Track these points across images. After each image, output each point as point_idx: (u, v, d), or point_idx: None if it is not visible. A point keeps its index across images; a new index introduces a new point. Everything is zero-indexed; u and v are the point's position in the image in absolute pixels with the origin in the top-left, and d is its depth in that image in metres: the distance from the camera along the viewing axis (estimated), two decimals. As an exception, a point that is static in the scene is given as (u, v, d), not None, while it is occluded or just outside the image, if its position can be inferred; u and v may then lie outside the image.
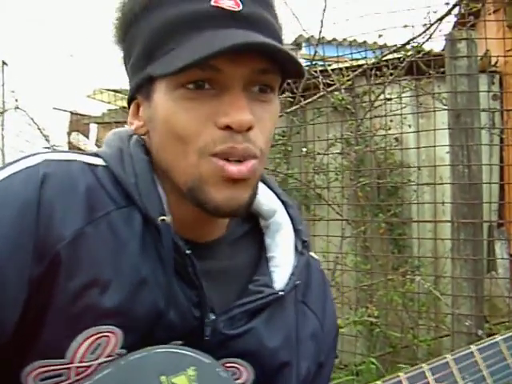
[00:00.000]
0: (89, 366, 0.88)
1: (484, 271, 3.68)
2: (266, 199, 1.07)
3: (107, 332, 0.88)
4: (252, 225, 1.08)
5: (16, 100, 6.51)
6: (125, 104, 5.73)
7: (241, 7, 0.88)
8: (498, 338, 1.04)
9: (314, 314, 1.10)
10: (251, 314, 0.98)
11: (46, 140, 6.52)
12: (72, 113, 6.88)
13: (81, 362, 0.87)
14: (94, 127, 6.83)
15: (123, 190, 0.93)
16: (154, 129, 0.93)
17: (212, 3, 0.87)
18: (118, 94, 5.91)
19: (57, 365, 0.87)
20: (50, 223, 0.86)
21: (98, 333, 0.87)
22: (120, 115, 5.72)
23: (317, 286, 1.12)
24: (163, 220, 0.90)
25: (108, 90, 6.22)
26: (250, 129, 0.87)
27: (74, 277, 0.86)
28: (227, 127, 0.86)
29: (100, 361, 0.88)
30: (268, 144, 0.93)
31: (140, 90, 0.94)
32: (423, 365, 1.02)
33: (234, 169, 0.87)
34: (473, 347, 1.03)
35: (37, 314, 0.86)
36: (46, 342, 0.87)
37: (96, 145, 6.33)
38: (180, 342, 0.92)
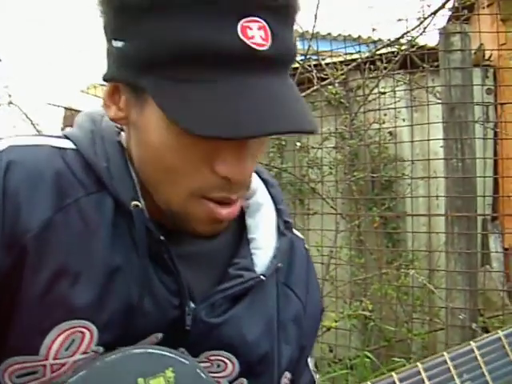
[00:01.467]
0: (64, 364, 0.84)
1: (478, 265, 3.69)
2: None
3: (81, 327, 0.84)
4: None
5: (9, 95, 6.48)
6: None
7: (269, 42, 0.77)
8: (500, 333, 1.00)
9: (297, 296, 1.05)
10: (232, 300, 0.94)
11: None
12: (66, 108, 6.86)
13: (55, 358, 0.84)
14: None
15: (94, 175, 0.88)
16: (138, 140, 0.86)
17: (240, 36, 0.75)
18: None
19: (31, 361, 0.84)
20: (16, 214, 0.83)
21: (71, 327, 0.84)
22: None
23: (300, 267, 1.07)
24: (136, 206, 0.86)
25: (102, 84, 6.20)
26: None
27: (42, 269, 0.83)
28: (225, 177, 0.82)
29: (75, 358, 0.84)
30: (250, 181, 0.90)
31: (126, 86, 0.84)
32: (418, 363, 0.98)
33: (224, 212, 0.85)
34: (472, 343, 0.99)
35: (7, 310, 0.84)
36: (18, 337, 0.84)
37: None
38: (160, 335, 0.89)
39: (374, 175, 4.27)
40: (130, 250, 0.87)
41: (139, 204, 0.86)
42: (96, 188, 0.88)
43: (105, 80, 0.87)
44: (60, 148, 0.90)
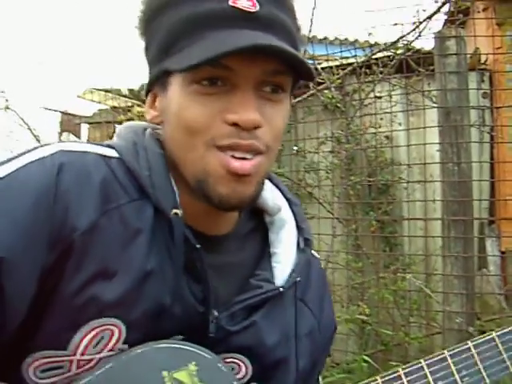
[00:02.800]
0: (90, 360, 0.88)
1: (475, 268, 3.69)
2: (272, 196, 1.09)
3: (110, 325, 0.88)
4: (257, 221, 1.09)
5: (6, 100, 6.48)
6: (115, 104, 5.72)
7: (257, 8, 0.90)
8: (493, 334, 1.08)
9: (312, 312, 1.11)
10: (251, 309, 1.00)
11: (37, 140, 6.50)
12: (63, 113, 6.86)
13: (83, 354, 0.88)
14: (84, 127, 6.81)
15: (136, 183, 0.94)
16: (167, 120, 0.95)
17: (230, 3, 0.89)
18: (108, 94, 5.90)
19: (58, 356, 0.88)
20: (65, 213, 0.87)
21: (101, 325, 0.88)
22: (111, 115, 5.70)
23: (316, 284, 1.13)
24: (176, 214, 0.92)
25: (98, 89, 6.20)
26: (256, 127, 0.90)
27: (83, 267, 0.87)
28: (235, 124, 0.89)
29: (102, 355, 0.88)
30: (277, 141, 0.96)
31: (157, 82, 0.97)
32: (421, 360, 1.06)
33: (237, 164, 0.89)
34: (469, 343, 1.07)
35: (43, 304, 0.87)
36: (49, 332, 0.87)
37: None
38: (181, 337, 0.93)
39: (371, 179, 4.28)
40: (165, 257, 0.92)
41: (178, 212, 0.92)
42: (138, 195, 0.94)
43: (147, 92, 1.00)
44: (106, 156, 0.95)
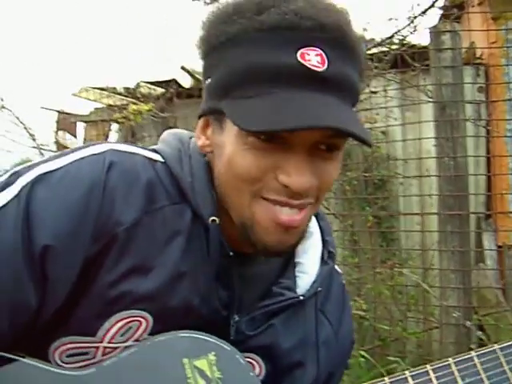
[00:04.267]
0: (115, 348, 0.93)
1: (472, 263, 3.69)
2: None
3: (139, 317, 0.93)
4: None
5: (1, 99, 6.46)
6: (111, 102, 5.70)
7: (325, 66, 0.88)
8: (496, 346, 1.10)
9: (330, 323, 1.14)
10: (271, 315, 1.04)
11: (33, 139, 6.48)
12: (59, 112, 6.84)
13: (110, 342, 0.93)
14: (81, 126, 6.79)
15: (178, 188, 0.98)
16: (218, 156, 0.96)
17: (299, 58, 0.88)
18: (103, 92, 5.88)
19: (86, 342, 0.93)
20: (112, 207, 0.92)
21: (130, 316, 0.93)
22: (106, 113, 5.69)
23: (336, 297, 1.17)
24: (213, 221, 0.96)
25: (93, 88, 6.18)
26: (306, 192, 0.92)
27: (122, 261, 0.92)
28: (286, 186, 0.90)
29: (127, 344, 0.93)
30: (325, 193, 0.98)
31: (212, 114, 0.97)
32: (427, 365, 1.08)
33: (286, 218, 0.92)
34: (473, 353, 1.09)
35: (80, 293, 0.91)
36: (81, 319, 0.92)
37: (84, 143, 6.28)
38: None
39: (367, 174, 4.27)
40: (199, 261, 0.97)
41: (216, 219, 0.96)
42: (179, 200, 0.98)
43: (200, 116, 1.01)
44: (151, 159, 1.00)
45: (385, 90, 4.00)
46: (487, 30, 3.86)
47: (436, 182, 3.42)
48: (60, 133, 6.42)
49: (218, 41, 0.93)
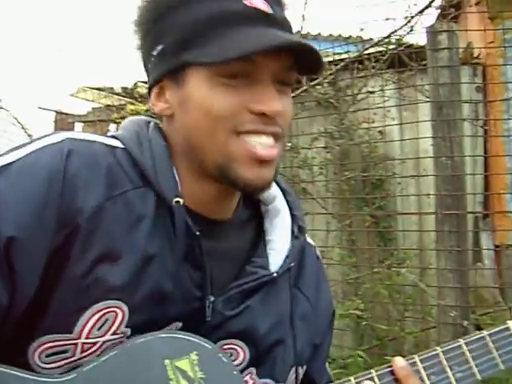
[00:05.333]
0: (94, 343, 0.91)
1: (469, 262, 3.69)
2: None
3: (114, 307, 0.92)
4: (253, 210, 1.14)
5: (-1, 100, 6.47)
6: (108, 102, 5.71)
7: (271, 10, 0.98)
8: (485, 332, 1.09)
9: (306, 297, 1.14)
10: (246, 294, 1.03)
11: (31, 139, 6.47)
12: (56, 112, 6.85)
13: (87, 337, 0.91)
14: (79, 126, 6.80)
15: (140, 172, 0.99)
16: (185, 112, 0.99)
17: (247, 3, 0.96)
18: (101, 92, 5.89)
19: (64, 340, 0.91)
20: (73, 195, 0.92)
21: (106, 307, 0.91)
22: (104, 113, 5.70)
23: (311, 270, 1.17)
24: (177, 202, 0.97)
25: (91, 88, 6.19)
26: (278, 116, 0.97)
27: (88, 249, 0.91)
28: (261, 114, 0.95)
29: (105, 338, 0.92)
30: (288, 129, 1.04)
31: (169, 75, 1.00)
32: (415, 355, 1.07)
33: (261, 151, 0.96)
34: (461, 340, 1.08)
35: (50, 286, 0.90)
36: (55, 315, 0.91)
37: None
38: (180, 324, 0.97)
39: (365, 174, 4.28)
40: (166, 243, 0.97)
41: (180, 200, 0.97)
42: (141, 183, 0.98)
43: (151, 86, 1.04)
44: (111, 146, 1.00)
45: (382, 90, 4.01)
46: (484, 30, 3.86)
47: (433, 181, 3.42)
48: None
49: (160, 9, 1.00)
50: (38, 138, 0.98)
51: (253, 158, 0.96)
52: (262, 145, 0.96)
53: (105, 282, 0.91)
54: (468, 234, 3.56)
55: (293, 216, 1.12)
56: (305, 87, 4.20)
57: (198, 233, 0.97)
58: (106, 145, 1.00)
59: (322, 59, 0.98)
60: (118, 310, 0.92)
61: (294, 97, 3.57)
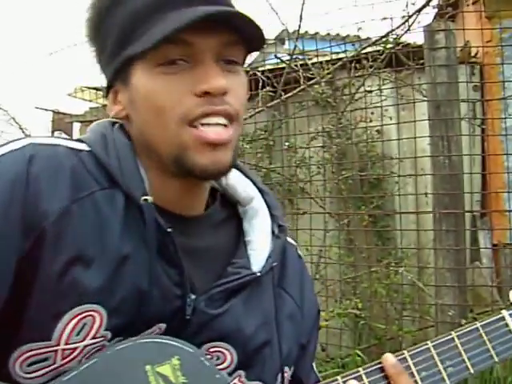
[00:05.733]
0: (74, 349, 0.89)
1: (467, 261, 3.69)
2: (243, 187, 1.12)
3: (91, 311, 0.90)
4: (231, 211, 1.12)
5: (-3, 100, 6.46)
6: (106, 102, 5.71)
7: None
8: (478, 324, 1.07)
9: (291, 296, 1.13)
10: (229, 294, 1.01)
11: (29, 140, 6.45)
12: (54, 112, 6.84)
13: (66, 343, 0.89)
14: (76, 126, 6.79)
15: (106, 173, 0.97)
16: (135, 109, 0.98)
17: None
18: (99, 92, 5.88)
19: (43, 347, 0.89)
20: (37, 200, 0.90)
21: (83, 312, 0.89)
22: (102, 113, 5.69)
23: (293, 270, 1.15)
24: (146, 200, 0.95)
25: (89, 87, 6.18)
26: (225, 94, 0.95)
27: (58, 253, 0.89)
28: (205, 93, 0.93)
29: (85, 343, 0.90)
30: (242, 110, 1.00)
31: (118, 77, 1.00)
32: (404, 351, 1.05)
33: (213, 135, 0.94)
34: (453, 333, 1.06)
35: (23, 294, 0.88)
36: (32, 323, 0.89)
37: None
38: (164, 326, 0.95)
39: (362, 174, 4.28)
40: (139, 242, 0.95)
41: (148, 198, 0.95)
42: (108, 184, 0.96)
43: (107, 91, 1.04)
44: (75, 149, 0.99)
45: (380, 89, 4.01)
46: (481, 29, 3.86)
47: (431, 180, 3.43)
48: (56, 133, 6.41)
49: (99, 13, 1.00)
50: (2, 145, 0.97)
51: (204, 144, 0.94)
52: (213, 128, 0.94)
53: (79, 286, 0.89)
54: (466, 232, 3.56)
55: (272, 216, 1.11)
56: (302, 87, 4.20)
57: (169, 230, 0.95)
58: (71, 148, 0.98)
59: (259, 28, 0.94)
60: (95, 314, 0.90)
61: (290, 96, 3.59)
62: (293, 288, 1.14)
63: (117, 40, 0.97)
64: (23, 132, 6.53)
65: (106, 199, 0.95)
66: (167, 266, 0.96)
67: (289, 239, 1.18)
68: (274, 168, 4.40)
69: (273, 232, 1.09)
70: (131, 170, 0.97)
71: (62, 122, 6.62)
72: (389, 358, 1.03)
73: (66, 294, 0.89)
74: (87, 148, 0.99)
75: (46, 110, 6.87)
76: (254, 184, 1.14)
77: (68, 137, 1.09)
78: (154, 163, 0.99)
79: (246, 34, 0.96)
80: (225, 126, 0.96)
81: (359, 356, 3.70)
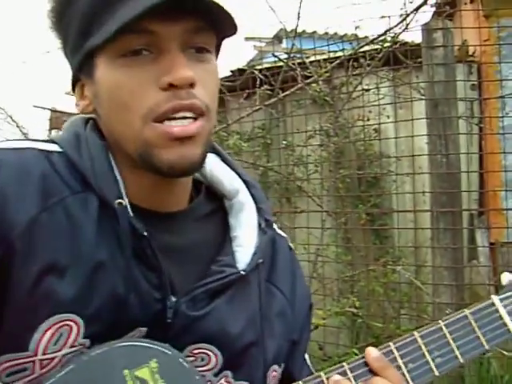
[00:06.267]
0: (53, 358, 0.87)
1: (465, 260, 3.70)
2: (229, 179, 1.07)
3: (68, 320, 0.87)
4: (217, 205, 1.07)
5: (-6, 98, 6.45)
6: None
7: None
8: (466, 311, 1.03)
9: (281, 292, 1.08)
10: (213, 294, 0.97)
11: (26, 138, 6.47)
12: (51, 110, 6.83)
13: (44, 353, 0.86)
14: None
15: (79, 175, 0.93)
16: (99, 104, 0.94)
17: None
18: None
19: (21, 358, 0.86)
20: (3, 211, 0.86)
21: (59, 321, 0.87)
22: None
23: (284, 263, 1.11)
24: (120, 203, 0.91)
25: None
26: (192, 85, 0.89)
27: (29, 265, 0.86)
28: (170, 86, 0.88)
29: (63, 352, 0.87)
30: (214, 102, 0.95)
31: (82, 70, 0.95)
32: (390, 343, 1.01)
33: (178, 130, 0.89)
34: (440, 322, 1.02)
35: None
36: (8, 335, 0.87)
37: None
38: (145, 330, 0.92)
39: (360, 172, 4.28)
40: (114, 246, 0.90)
41: (123, 202, 0.91)
42: (81, 188, 0.92)
43: (73, 85, 0.99)
44: (46, 151, 0.94)
45: (377, 88, 4.01)
46: (479, 28, 3.86)
47: (429, 179, 3.43)
48: (54, 131, 6.40)
49: (60, 5, 0.95)
50: None
51: (170, 139, 0.89)
52: (179, 121, 0.89)
53: (53, 297, 0.86)
54: (463, 231, 3.56)
55: (258, 209, 1.06)
56: (300, 85, 4.20)
57: (145, 233, 0.91)
58: (40, 150, 0.94)
59: (227, 12, 0.88)
60: (71, 323, 0.87)
61: (288, 95, 3.59)
62: (283, 282, 1.10)
63: (78, 31, 0.93)
64: (20, 130, 6.52)
65: (79, 204, 0.91)
66: (145, 269, 0.92)
67: (278, 231, 1.14)
68: (272, 166, 4.40)
69: (259, 226, 1.04)
70: (104, 171, 0.93)
71: (59, 121, 6.60)
72: (372, 352, 0.98)
73: (39, 305, 0.86)
74: (58, 149, 0.95)
75: (43, 108, 6.87)
76: (240, 176, 1.09)
77: (37, 138, 1.07)
78: (125, 160, 0.95)
79: (214, 19, 0.90)
80: (193, 118, 0.90)
81: (357, 354, 3.69)
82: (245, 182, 1.09)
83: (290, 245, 1.17)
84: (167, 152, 0.89)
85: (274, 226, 1.11)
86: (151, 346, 0.89)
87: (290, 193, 4.44)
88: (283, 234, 1.16)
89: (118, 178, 0.94)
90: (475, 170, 4.20)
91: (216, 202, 1.08)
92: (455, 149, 3.29)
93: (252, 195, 1.08)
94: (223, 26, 0.92)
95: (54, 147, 0.96)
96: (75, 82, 0.98)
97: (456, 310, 0.97)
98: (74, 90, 0.99)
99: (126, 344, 0.88)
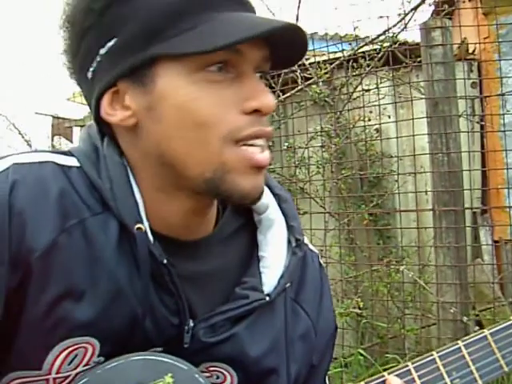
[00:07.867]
0: (67, 377, 0.86)
1: (468, 258, 3.69)
2: None
3: (84, 343, 0.86)
4: (245, 219, 1.02)
5: (-4, 106, 6.46)
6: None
7: None
8: (486, 332, 1.02)
9: (307, 313, 1.04)
10: (233, 321, 0.94)
11: (28, 145, 6.49)
12: (53, 116, 6.84)
13: (58, 372, 0.85)
14: (76, 130, 6.79)
15: (98, 194, 0.88)
16: (154, 118, 0.85)
17: None
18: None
19: (34, 376, 0.86)
20: (21, 234, 0.83)
21: (74, 344, 0.85)
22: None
23: (312, 283, 1.07)
24: (139, 228, 0.86)
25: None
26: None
27: (46, 289, 0.84)
28: (254, 111, 0.85)
29: (78, 370, 0.86)
30: None
31: (128, 76, 0.86)
32: (408, 363, 1.00)
33: (261, 157, 0.86)
34: (460, 342, 1.01)
35: (11, 327, 0.85)
36: (21, 354, 0.85)
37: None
38: (160, 349, 0.90)
39: (362, 173, 4.28)
40: (133, 271, 0.88)
41: (142, 227, 0.87)
42: (101, 209, 0.88)
43: (102, 93, 0.88)
44: (64, 166, 0.90)
45: (377, 88, 4.00)
46: (478, 26, 3.86)
47: (431, 178, 3.43)
48: (56, 138, 6.41)
49: None
50: None
51: (251, 166, 0.85)
52: (258, 149, 0.85)
53: (69, 321, 0.84)
54: (467, 229, 3.56)
55: (289, 227, 1.01)
56: (300, 87, 4.20)
57: (165, 261, 0.88)
58: (59, 165, 0.89)
59: (306, 45, 0.86)
60: (87, 345, 0.86)
61: (289, 97, 3.59)
62: (310, 303, 1.05)
63: (137, 32, 0.83)
64: (23, 137, 6.53)
65: (98, 226, 0.87)
66: (163, 294, 0.90)
67: (311, 246, 1.09)
68: (274, 168, 4.40)
69: (289, 244, 1.00)
70: (124, 193, 0.88)
71: (61, 127, 6.61)
72: (392, 381, 0.97)
73: (55, 327, 0.85)
74: (77, 164, 0.91)
75: (45, 115, 6.88)
76: (271, 189, 1.04)
77: (55, 149, 0.97)
78: (160, 183, 0.89)
79: (289, 53, 0.88)
80: (266, 147, 0.87)
81: (362, 355, 3.69)
82: (275, 195, 1.04)
83: (321, 261, 1.12)
84: (244, 179, 0.86)
85: (306, 240, 1.07)
86: (166, 360, 0.87)
87: (292, 194, 4.42)
88: (314, 249, 1.11)
89: (139, 200, 0.89)
90: (477, 168, 4.19)
91: (245, 216, 1.03)
92: (456, 147, 3.28)
93: (282, 210, 1.03)
94: (294, 59, 0.92)
95: (73, 161, 0.91)
96: (105, 89, 0.88)
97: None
98: (98, 96, 0.89)
99: (141, 358, 0.87)
